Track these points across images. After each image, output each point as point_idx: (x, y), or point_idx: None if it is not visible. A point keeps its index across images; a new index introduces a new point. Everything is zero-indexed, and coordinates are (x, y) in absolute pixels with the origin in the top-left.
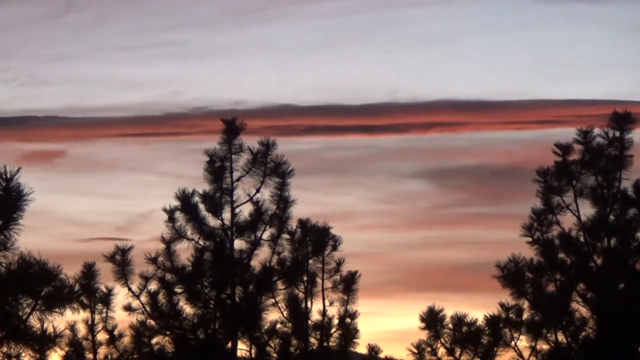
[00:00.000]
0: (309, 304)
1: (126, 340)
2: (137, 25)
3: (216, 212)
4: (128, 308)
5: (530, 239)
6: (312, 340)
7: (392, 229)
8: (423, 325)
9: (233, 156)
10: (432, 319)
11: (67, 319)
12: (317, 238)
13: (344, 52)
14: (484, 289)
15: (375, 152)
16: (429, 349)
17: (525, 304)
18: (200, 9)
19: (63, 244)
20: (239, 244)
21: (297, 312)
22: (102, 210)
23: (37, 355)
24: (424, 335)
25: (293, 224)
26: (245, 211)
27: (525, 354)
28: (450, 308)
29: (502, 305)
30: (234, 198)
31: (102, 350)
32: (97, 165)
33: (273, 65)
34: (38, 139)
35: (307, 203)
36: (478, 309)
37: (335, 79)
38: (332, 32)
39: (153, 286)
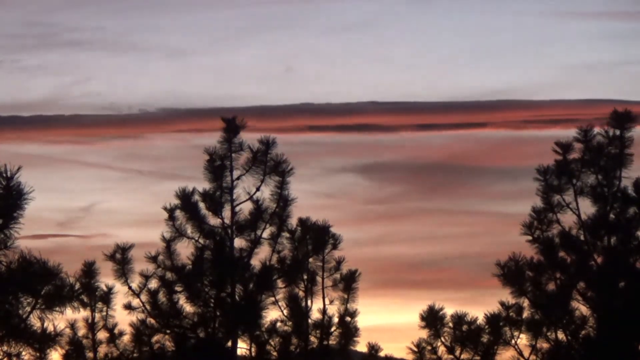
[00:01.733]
0: (309, 302)
1: (126, 338)
2: (23, 12)
3: (216, 211)
4: (128, 307)
5: (530, 238)
6: (312, 338)
7: (334, 223)
8: (423, 324)
9: (233, 155)
10: (432, 318)
11: (67, 318)
12: (317, 237)
13: (265, 45)
14: (441, 284)
15: (303, 148)
16: (429, 348)
17: (526, 303)
18: None
19: None
20: (239, 242)
21: (297, 311)
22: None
23: (38, 354)
24: (419, 333)
25: (293, 223)
26: (245, 210)
27: (526, 352)
28: (413, 305)
29: (502, 303)
30: (234, 197)
31: (102, 349)
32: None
33: (171, 57)
34: None
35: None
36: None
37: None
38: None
39: (153, 285)
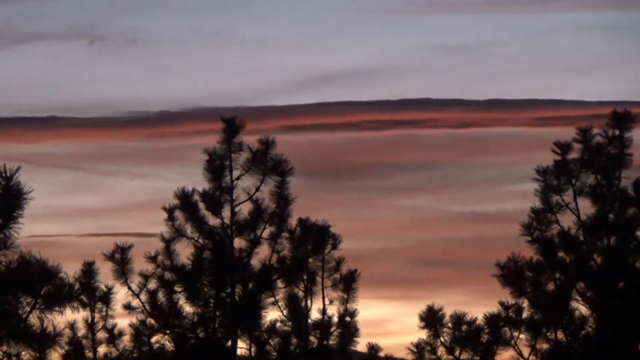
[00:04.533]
0: (308, 302)
1: (126, 339)
2: None
3: (216, 211)
4: (128, 307)
5: (529, 238)
6: (312, 338)
7: None
8: (422, 324)
9: (232, 155)
10: (431, 318)
11: (66, 318)
12: (316, 237)
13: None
14: (372, 281)
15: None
16: (428, 348)
17: (525, 303)
18: None
19: None
20: (238, 242)
21: (297, 311)
22: None
23: (37, 354)
24: (423, 334)
25: (293, 223)
26: (245, 210)
27: (525, 352)
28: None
29: (501, 304)
30: (234, 197)
31: (101, 349)
32: None
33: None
34: None
35: (143, 192)
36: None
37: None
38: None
39: (153, 285)
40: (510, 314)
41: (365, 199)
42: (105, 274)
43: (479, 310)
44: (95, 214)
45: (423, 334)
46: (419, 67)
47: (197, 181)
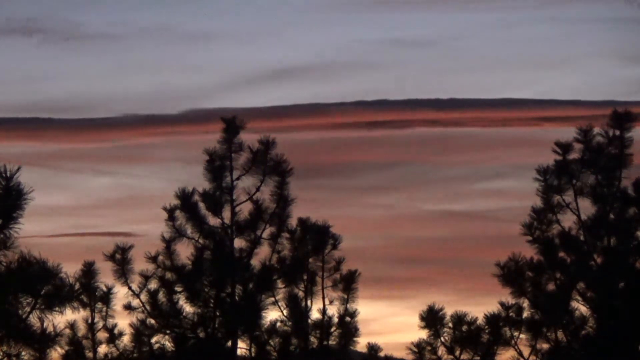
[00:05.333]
0: (308, 302)
1: (126, 339)
2: None
3: (216, 211)
4: (128, 307)
5: (530, 238)
6: (312, 339)
7: None
8: (423, 324)
9: (233, 155)
10: (432, 318)
11: (67, 318)
12: (317, 237)
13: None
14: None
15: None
16: (429, 348)
17: (525, 303)
18: None
19: None
20: (238, 242)
21: (297, 311)
22: None
23: (37, 354)
24: (423, 334)
25: (293, 223)
26: (245, 210)
27: (525, 352)
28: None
29: (502, 304)
30: (234, 197)
31: (102, 349)
32: None
33: None
34: None
35: (106, 188)
36: None
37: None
38: None
39: (153, 285)
40: (511, 314)
41: (335, 198)
42: (105, 274)
43: (459, 308)
44: (64, 213)
45: (406, 333)
46: (376, 63)
47: (167, 178)
